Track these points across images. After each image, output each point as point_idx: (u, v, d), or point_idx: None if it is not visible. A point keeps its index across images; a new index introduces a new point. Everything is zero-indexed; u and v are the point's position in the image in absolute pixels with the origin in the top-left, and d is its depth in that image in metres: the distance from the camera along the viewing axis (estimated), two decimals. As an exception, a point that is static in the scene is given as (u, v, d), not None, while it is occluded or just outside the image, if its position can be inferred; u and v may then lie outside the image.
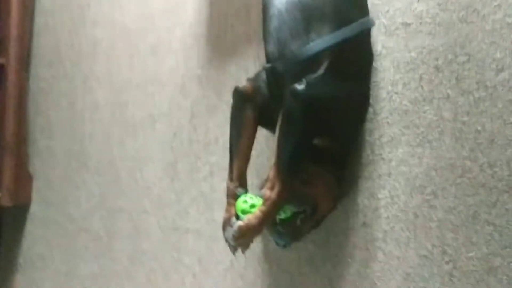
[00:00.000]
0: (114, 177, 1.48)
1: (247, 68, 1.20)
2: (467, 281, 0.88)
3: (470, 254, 0.88)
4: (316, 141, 0.94)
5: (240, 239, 0.94)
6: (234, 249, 0.99)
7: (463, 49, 0.90)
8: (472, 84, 0.89)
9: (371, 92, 0.99)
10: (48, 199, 1.67)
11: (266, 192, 0.92)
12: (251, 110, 1.00)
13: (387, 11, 0.99)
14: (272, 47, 0.98)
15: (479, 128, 0.88)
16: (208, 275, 1.26)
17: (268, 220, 0.94)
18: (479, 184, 0.87)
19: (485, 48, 0.88)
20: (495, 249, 0.86)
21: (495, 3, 0.87)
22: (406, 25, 0.96)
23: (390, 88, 0.98)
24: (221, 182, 1.23)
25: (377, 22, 0.99)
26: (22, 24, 1.70)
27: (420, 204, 0.93)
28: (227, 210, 0.99)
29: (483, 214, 0.87)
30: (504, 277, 0.85)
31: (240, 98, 1.02)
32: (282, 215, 0.97)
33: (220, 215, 1.23)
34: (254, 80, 1.02)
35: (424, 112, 0.94)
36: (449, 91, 0.91)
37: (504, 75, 0.86)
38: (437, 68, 0.92)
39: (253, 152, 1.08)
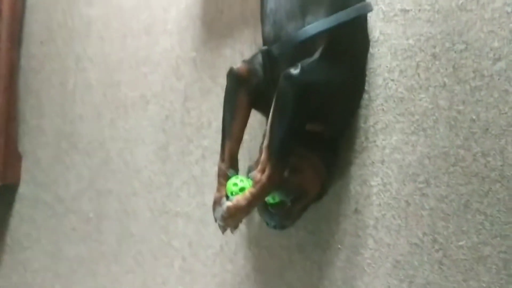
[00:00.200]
0: (105, 158, 1.46)
1: (243, 51, 1.19)
2: (456, 270, 0.88)
3: (461, 243, 0.88)
4: (308, 126, 0.93)
5: (229, 219, 0.94)
6: (223, 229, 0.99)
7: (461, 37, 0.89)
8: (468, 73, 0.88)
9: (367, 79, 0.99)
10: (37, 179, 1.65)
11: (257, 175, 0.91)
12: (245, 92, 1.00)
13: (386, -3, 0.98)
14: (268, 29, 0.97)
15: (474, 117, 0.88)
16: (198, 259, 1.26)
17: (256, 203, 0.94)
18: (472, 173, 0.87)
19: (483, 37, 0.87)
20: (486, 239, 0.86)
21: (495, -8, 0.86)
22: (405, 11, 0.95)
23: (386, 75, 0.97)
24: (213, 166, 1.22)
25: (375, 8, 0.98)
26: (14, 2, 1.67)
27: (412, 192, 0.93)
28: (218, 190, 0.99)
29: (474, 204, 0.87)
30: (493, 267, 0.85)
31: (235, 80, 1.01)
32: (271, 201, 0.97)
33: (210, 199, 1.23)
34: (250, 62, 1.01)
35: (420, 100, 0.93)
36: (445, 79, 0.91)
37: (501, 64, 0.85)
38: (434, 56, 0.92)
39: (246, 136, 1.07)
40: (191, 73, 1.29)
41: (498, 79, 0.86)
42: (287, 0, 0.95)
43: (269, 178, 0.91)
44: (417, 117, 0.93)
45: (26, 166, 1.69)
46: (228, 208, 0.93)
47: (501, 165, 0.85)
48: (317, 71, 0.90)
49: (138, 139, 1.39)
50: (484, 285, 0.86)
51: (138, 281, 1.38)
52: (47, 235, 1.61)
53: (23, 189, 1.69)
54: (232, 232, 0.99)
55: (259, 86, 0.99)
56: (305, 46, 0.91)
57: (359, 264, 0.99)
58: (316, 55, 0.90)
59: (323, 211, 1.03)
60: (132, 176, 1.40)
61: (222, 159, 1.01)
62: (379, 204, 0.97)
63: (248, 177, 0.96)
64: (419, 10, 0.94)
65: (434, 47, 0.92)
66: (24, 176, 1.68)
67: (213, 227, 1.22)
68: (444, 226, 0.90)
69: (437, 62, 0.91)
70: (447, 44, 0.90)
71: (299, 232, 1.07)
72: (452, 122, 0.89)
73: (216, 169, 1.02)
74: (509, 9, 0.85)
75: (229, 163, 1.00)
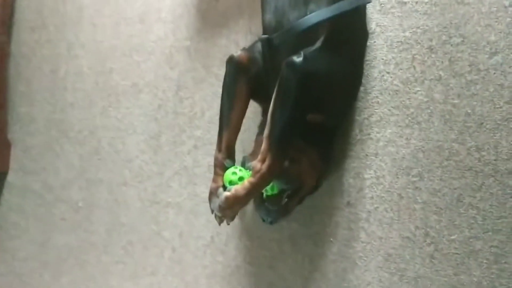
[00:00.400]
0: (95, 147, 1.45)
1: (238, 41, 1.18)
2: (448, 264, 0.88)
3: (452, 237, 0.88)
4: (308, 117, 0.92)
5: (227, 210, 0.93)
6: (220, 220, 0.98)
7: (457, 31, 0.89)
8: (464, 66, 0.88)
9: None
10: (26, 167, 1.63)
11: (257, 164, 0.90)
12: (245, 81, 0.98)
13: (383, -11, 0.97)
14: (269, 17, 0.96)
15: (469, 111, 0.87)
16: (188, 250, 1.25)
17: (255, 193, 0.93)
18: (465, 168, 0.87)
19: (480, 31, 0.87)
20: (477, 233, 0.86)
21: (493, -15, 0.86)
22: (402, 3, 0.95)
23: (382, 67, 0.96)
24: (205, 157, 1.21)
25: (372, -1, 0.97)
26: (4, -12, 1.64)
27: (405, 186, 0.93)
28: (215, 180, 0.98)
29: (467, 198, 0.87)
30: (485, 261, 0.85)
31: (235, 68, 0.99)
32: (269, 192, 0.96)
33: (202, 190, 1.22)
34: (250, 50, 1.00)
35: (415, 93, 0.93)
36: (441, 72, 0.90)
37: (497, 58, 0.85)
38: (430, 48, 0.91)
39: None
40: (184, 62, 1.28)
41: (494, 73, 0.85)
42: None
43: (270, 168, 0.90)
44: (412, 110, 0.93)
45: (15, 154, 1.66)
46: (227, 198, 0.91)
47: (494, 160, 0.85)
48: (319, 60, 0.89)
49: (129, 128, 1.37)
50: (475, 279, 0.86)
51: (127, 271, 1.37)
52: (36, 224, 1.59)
53: (12, 178, 1.67)
54: (227, 223, 0.98)
55: (258, 75, 0.98)
56: (306, 35, 0.90)
57: (351, 257, 0.99)
58: (318, 43, 0.90)
59: (315, 204, 1.03)
60: (123, 166, 1.38)
61: (219, 149, 1.00)
62: (372, 197, 0.96)
63: (244, 168, 0.95)
64: (416, 3, 0.93)
65: (431, 40, 0.91)
66: (13, 164, 1.66)
67: (204, 218, 1.22)
68: (437, 220, 0.90)
69: (433, 55, 0.91)
70: (444, 37, 0.90)
71: (291, 224, 1.07)
72: (447, 116, 0.89)
73: (209, 159, 1.01)
74: (506, 3, 0.85)
75: (226, 153, 0.99)
